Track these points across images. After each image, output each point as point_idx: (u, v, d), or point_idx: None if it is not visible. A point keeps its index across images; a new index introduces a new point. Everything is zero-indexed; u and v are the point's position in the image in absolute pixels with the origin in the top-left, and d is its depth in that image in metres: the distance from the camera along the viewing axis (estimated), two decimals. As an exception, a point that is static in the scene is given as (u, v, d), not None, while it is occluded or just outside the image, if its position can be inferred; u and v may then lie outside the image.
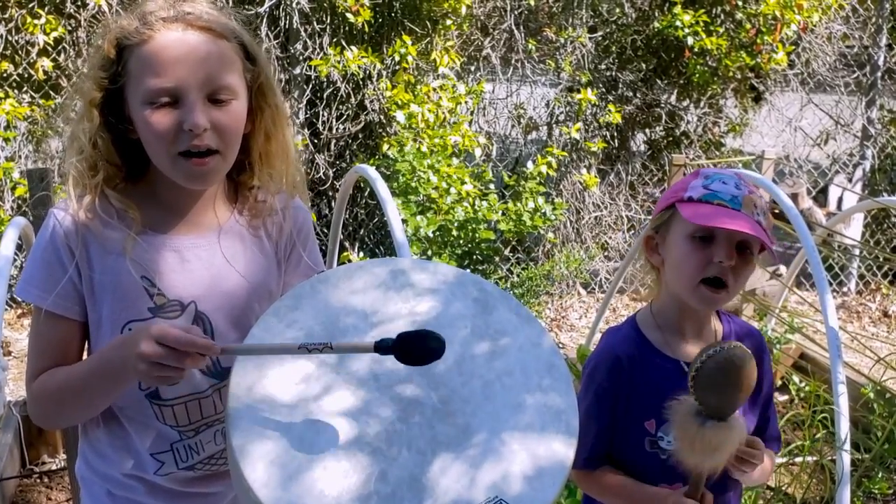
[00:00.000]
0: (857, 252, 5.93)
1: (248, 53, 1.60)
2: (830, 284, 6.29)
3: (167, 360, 1.38)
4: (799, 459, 3.42)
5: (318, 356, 1.45)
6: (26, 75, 4.90)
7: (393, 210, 2.71)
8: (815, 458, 3.33)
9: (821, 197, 6.57)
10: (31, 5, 4.77)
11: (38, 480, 3.45)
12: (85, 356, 1.65)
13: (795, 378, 4.39)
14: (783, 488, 3.37)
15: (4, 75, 4.84)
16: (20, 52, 4.88)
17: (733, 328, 1.93)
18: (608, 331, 1.96)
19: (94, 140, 1.54)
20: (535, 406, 1.44)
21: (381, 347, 1.38)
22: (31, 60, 4.78)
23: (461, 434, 1.40)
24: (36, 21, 4.65)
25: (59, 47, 4.89)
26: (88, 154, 1.55)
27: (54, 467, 3.47)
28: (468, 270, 4.69)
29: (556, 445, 1.40)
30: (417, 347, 1.39)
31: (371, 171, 3.06)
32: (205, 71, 1.51)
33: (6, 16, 4.82)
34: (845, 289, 6.44)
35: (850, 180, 6.61)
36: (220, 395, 1.63)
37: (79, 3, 4.88)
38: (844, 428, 2.47)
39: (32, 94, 4.98)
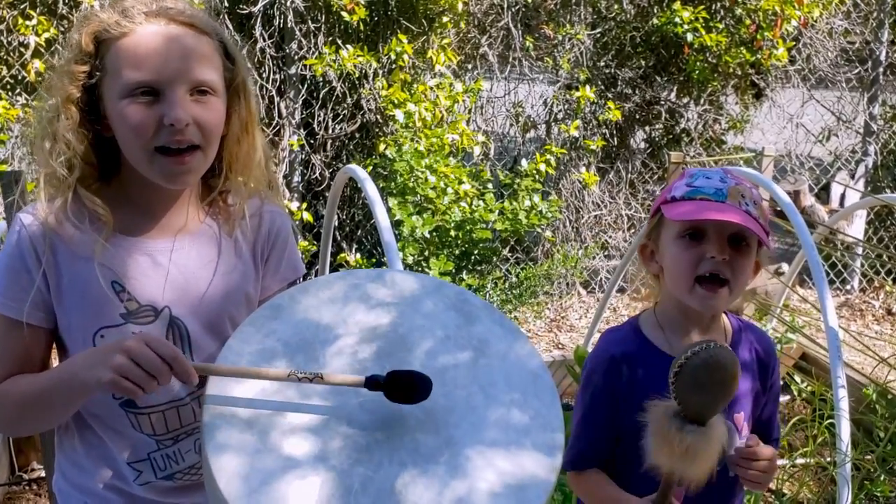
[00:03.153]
0: (859, 250, 5.87)
1: (228, 53, 1.56)
2: (833, 283, 6.23)
3: (148, 364, 1.34)
4: (801, 461, 3.37)
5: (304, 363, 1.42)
6: (19, 77, 4.86)
7: (381, 211, 2.66)
8: (815, 461, 3.28)
9: (823, 194, 6.51)
10: (22, 6, 4.73)
11: (27, 488, 3.41)
12: (56, 362, 1.61)
13: (797, 378, 4.34)
14: (785, 491, 3.32)
15: (-3, 77, 4.81)
16: (12, 53, 4.84)
17: (743, 332, 1.87)
18: (606, 331, 1.92)
19: (73, 138, 1.50)
20: (520, 418, 1.40)
21: (371, 383, 1.37)
22: (24, 62, 4.74)
23: (444, 446, 1.36)
24: (28, 22, 4.61)
25: (52, 48, 4.85)
26: (66, 153, 1.50)
27: (43, 474, 3.43)
28: (457, 276, 4.65)
29: (541, 458, 1.36)
30: (406, 386, 1.38)
31: (360, 171, 3.02)
32: (187, 65, 1.47)
33: (-2, 17, 4.79)
34: (848, 287, 6.38)
35: (852, 177, 6.55)
36: (199, 402, 1.59)
37: (71, 3, 4.84)
38: (846, 432, 2.42)
39: (26, 95, 4.94)
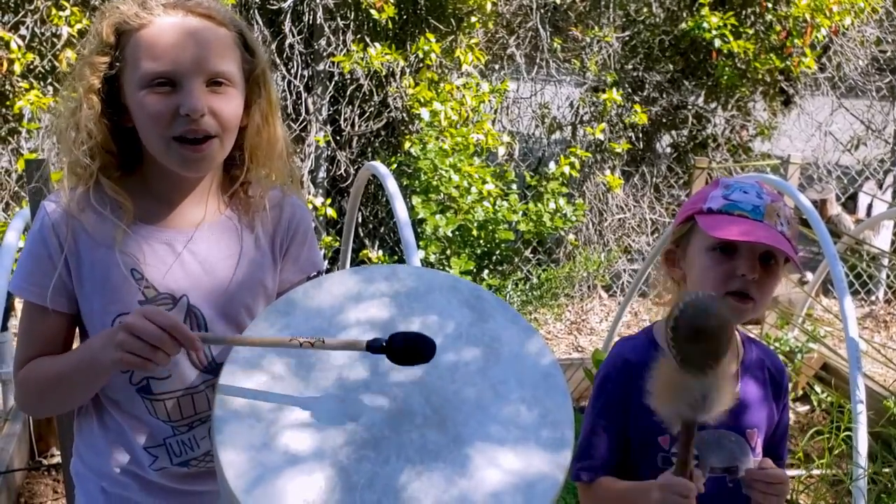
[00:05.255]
0: (885, 261, 5.81)
1: (247, 45, 1.57)
2: (858, 293, 6.17)
3: (148, 335, 1.37)
4: (817, 473, 3.35)
5: (314, 358, 1.43)
6: (50, 67, 4.92)
7: (401, 206, 2.68)
8: (833, 472, 3.25)
9: (850, 203, 6.45)
10: (56, -3, 4.79)
11: (46, 473, 3.45)
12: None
13: (817, 388, 4.30)
14: (801, 502, 3.30)
15: (30, 67, 4.86)
16: (45, 43, 4.90)
17: (756, 352, 1.86)
18: (621, 339, 1.90)
19: (94, 128, 1.52)
20: (530, 416, 1.40)
21: (373, 347, 1.38)
22: (56, 52, 4.80)
23: (451, 443, 1.37)
24: (61, 13, 4.66)
25: (84, 39, 4.89)
26: (88, 143, 1.53)
27: (71, 458, 3.47)
28: (478, 276, 4.65)
29: (550, 456, 1.36)
30: (409, 348, 1.39)
31: (381, 168, 3.03)
32: (204, 56, 1.49)
33: (32, 7, 4.85)
34: (873, 297, 6.31)
35: (880, 186, 6.49)
36: (213, 390, 1.61)
37: (104, -6, 4.90)
38: (863, 444, 2.40)
39: (56, 85, 5.00)
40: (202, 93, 1.48)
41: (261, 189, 1.65)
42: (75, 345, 1.65)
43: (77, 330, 1.64)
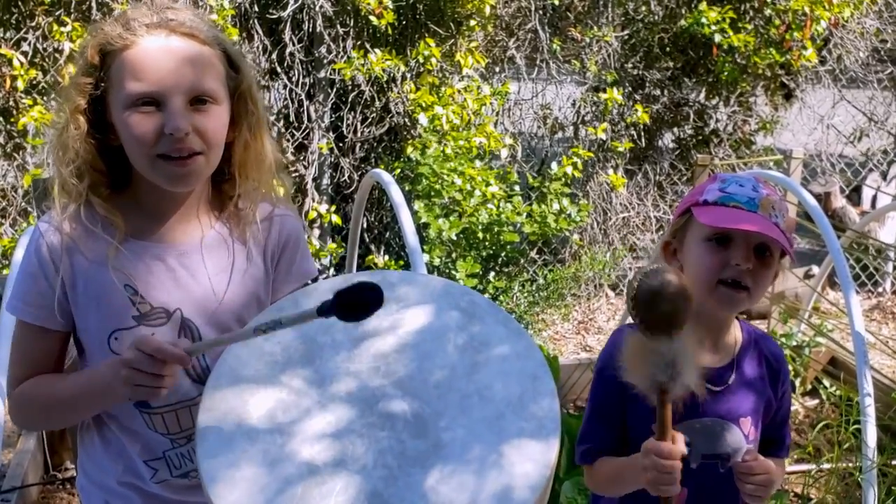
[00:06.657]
0: (892, 253, 5.81)
1: (232, 61, 1.60)
2: (864, 285, 6.16)
3: (144, 365, 1.40)
4: (827, 466, 3.35)
5: (296, 378, 1.47)
6: (53, 82, 4.95)
7: (406, 215, 2.70)
8: (842, 465, 3.26)
9: (854, 196, 6.44)
10: (57, 13, 4.81)
11: (61, 487, 3.47)
12: (73, 364, 1.67)
13: (826, 382, 4.30)
14: (811, 495, 3.30)
15: (33, 83, 4.88)
16: (47, 59, 4.93)
17: (752, 339, 1.88)
18: (619, 328, 1.93)
19: (81, 147, 1.55)
20: (513, 420, 1.40)
21: (323, 311, 1.33)
22: (59, 67, 4.82)
23: (431, 449, 1.37)
24: (62, 28, 4.68)
25: (75, 58, 4.91)
26: (76, 162, 1.55)
27: (75, 474, 3.49)
28: (484, 278, 4.66)
29: (531, 461, 1.36)
30: (356, 301, 1.35)
31: (385, 176, 3.05)
32: (187, 75, 1.51)
33: (34, 23, 4.87)
34: (880, 289, 6.31)
35: (884, 178, 6.48)
36: None
37: (104, 10, 4.91)
38: (871, 437, 2.41)
39: (59, 101, 5.01)
40: (186, 112, 1.50)
41: (251, 202, 1.67)
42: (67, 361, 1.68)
43: (73, 345, 1.67)
